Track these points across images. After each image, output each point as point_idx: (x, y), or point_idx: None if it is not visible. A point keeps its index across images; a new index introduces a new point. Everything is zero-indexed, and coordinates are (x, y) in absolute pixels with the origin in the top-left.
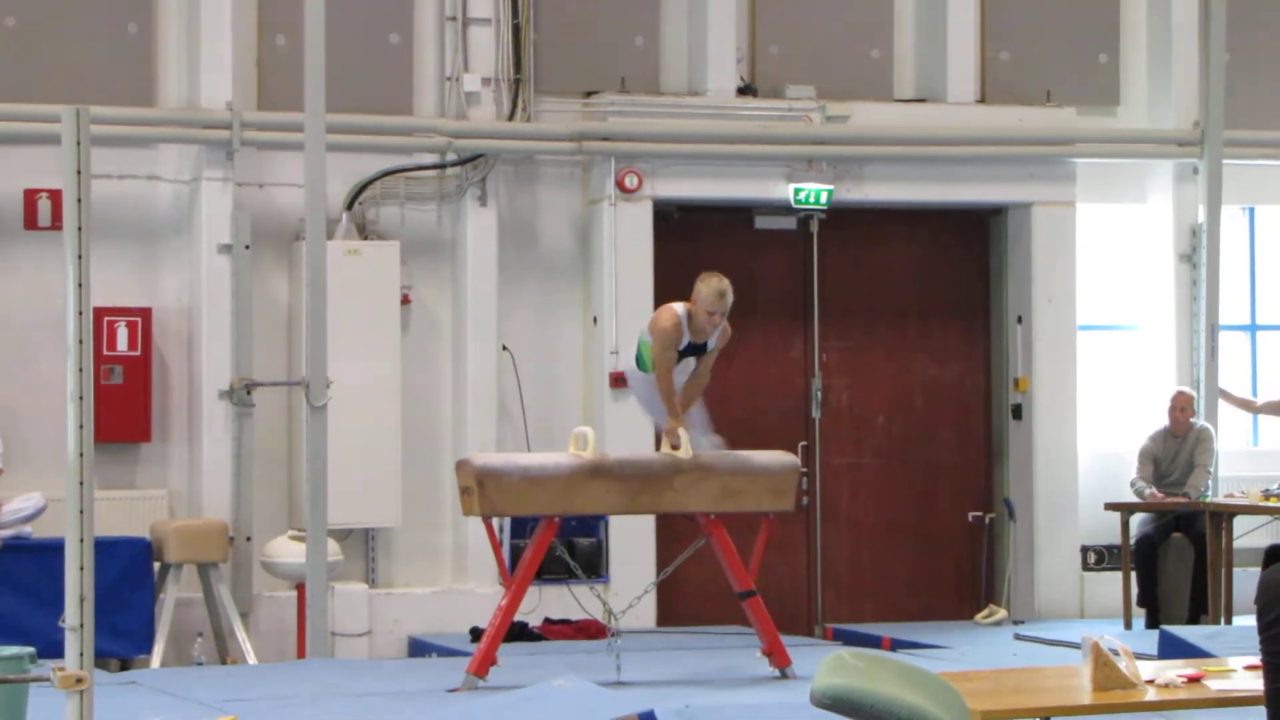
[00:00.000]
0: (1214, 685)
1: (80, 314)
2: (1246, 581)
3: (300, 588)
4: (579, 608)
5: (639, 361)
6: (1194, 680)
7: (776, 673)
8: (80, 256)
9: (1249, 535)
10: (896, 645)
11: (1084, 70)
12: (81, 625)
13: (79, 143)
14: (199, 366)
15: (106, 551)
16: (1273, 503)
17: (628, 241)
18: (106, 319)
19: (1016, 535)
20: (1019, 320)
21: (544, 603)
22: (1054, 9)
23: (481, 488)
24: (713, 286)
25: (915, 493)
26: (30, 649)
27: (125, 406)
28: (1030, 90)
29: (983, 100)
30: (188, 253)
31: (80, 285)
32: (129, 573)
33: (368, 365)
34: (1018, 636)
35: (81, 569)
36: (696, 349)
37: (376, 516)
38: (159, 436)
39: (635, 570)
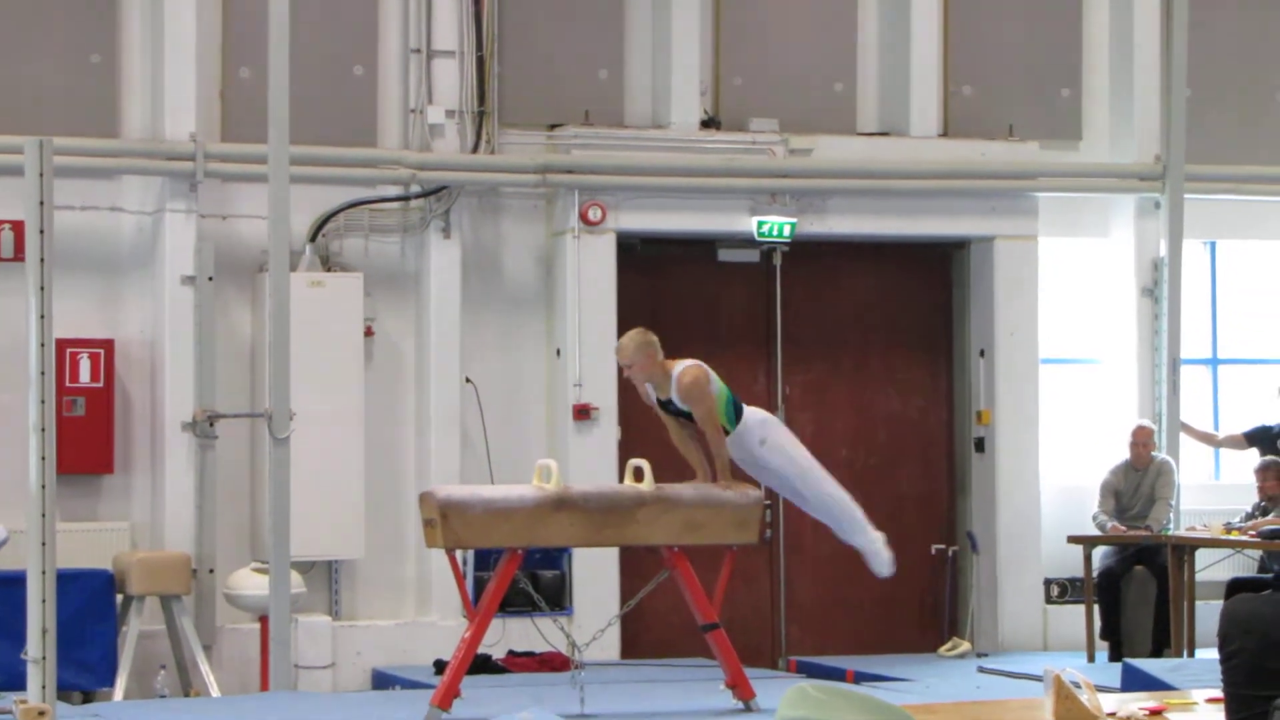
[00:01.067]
0: (1175, 718)
1: (43, 345)
2: (1209, 614)
3: (263, 620)
4: (543, 640)
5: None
6: (1156, 713)
7: (740, 705)
8: (42, 288)
9: (1211, 568)
10: (860, 678)
11: (1046, 104)
12: (44, 657)
13: (42, 174)
14: (162, 398)
15: (69, 584)
16: (1234, 536)
17: (591, 274)
18: (69, 350)
19: (979, 568)
20: (981, 353)
21: (508, 635)
22: (1016, 44)
23: (445, 520)
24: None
25: (878, 525)
26: None
27: (88, 438)
28: (993, 124)
29: (945, 134)
30: (151, 284)
31: (43, 317)
32: (91, 605)
33: (331, 397)
34: (981, 669)
35: (44, 601)
36: (673, 404)
37: (340, 549)
38: (121, 468)
39: (599, 602)
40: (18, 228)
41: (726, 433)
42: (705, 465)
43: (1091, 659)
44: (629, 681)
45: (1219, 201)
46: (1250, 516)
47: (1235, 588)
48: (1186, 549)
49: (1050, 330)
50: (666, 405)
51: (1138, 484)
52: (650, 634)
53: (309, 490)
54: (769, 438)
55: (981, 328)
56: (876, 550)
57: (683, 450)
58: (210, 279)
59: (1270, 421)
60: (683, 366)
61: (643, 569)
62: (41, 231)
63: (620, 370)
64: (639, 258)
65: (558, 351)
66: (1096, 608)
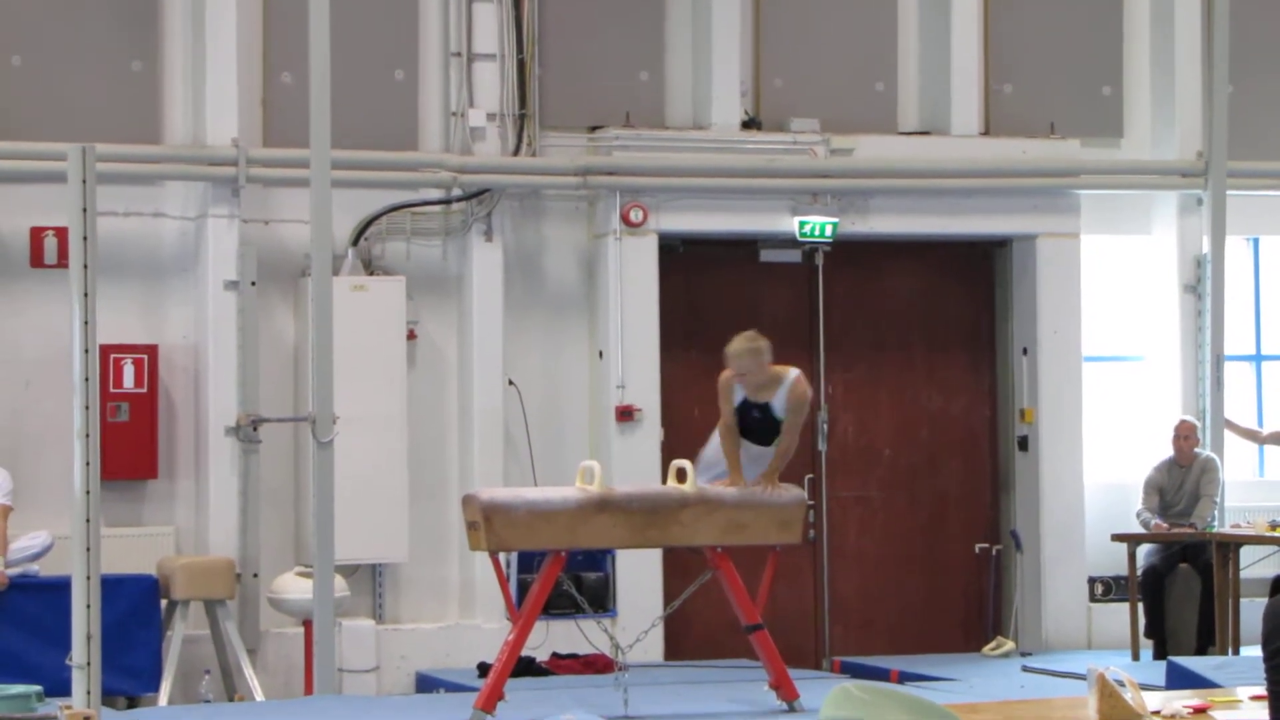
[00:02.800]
0: (1220, 716)
1: (86, 351)
2: (1253, 612)
3: (307, 624)
4: (586, 642)
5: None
6: (1200, 711)
7: (784, 706)
8: (86, 294)
9: (1256, 565)
10: (904, 678)
11: (1087, 102)
12: (89, 663)
13: (85, 181)
14: (205, 403)
15: (113, 589)
16: (1279, 533)
17: (633, 275)
18: (113, 356)
19: (1023, 566)
20: (1024, 352)
21: (551, 637)
22: (1057, 41)
23: (488, 522)
24: (729, 348)
25: (922, 525)
26: (38, 687)
27: (132, 444)
28: (1034, 122)
29: (986, 132)
30: (194, 290)
31: (86, 323)
32: (136, 610)
33: (374, 401)
34: (1025, 668)
35: (88, 607)
36: (757, 409)
37: (383, 552)
38: (165, 473)
39: (642, 604)
40: (61, 234)
41: None
42: (742, 472)
43: (1136, 657)
44: (673, 683)
45: (1262, 197)
46: None
47: (1279, 584)
48: (1231, 546)
49: (1093, 328)
50: (749, 409)
51: (1182, 481)
52: (694, 635)
53: (352, 494)
54: None
55: (1024, 326)
56: None
57: (728, 451)
58: (253, 284)
59: None
60: (796, 374)
61: (686, 570)
62: (85, 238)
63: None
64: (681, 259)
65: (600, 353)
66: (1141, 606)
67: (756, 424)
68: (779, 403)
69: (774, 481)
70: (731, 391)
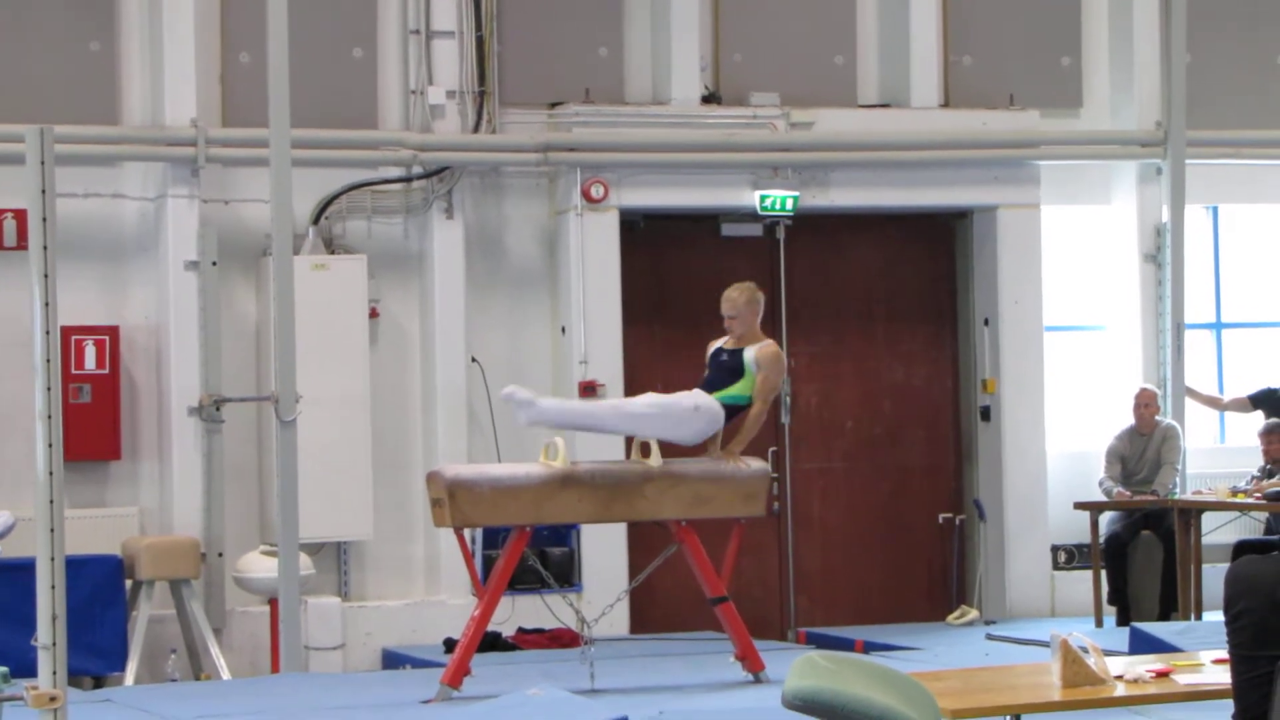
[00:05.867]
0: (1182, 680)
1: (47, 333)
2: (1216, 578)
3: (273, 602)
4: (552, 617)
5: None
6: (1162, 675)
7: (750, 677)
8: (46, 275)
9: (1217, 532)
10: (869, 647)
11: (1046, 73)
12: (54, 643)
13: (43, 162)
14: (168, 383)
15: (78, 570)
16: (1240, 499)
17: (594, 251)
18: (74, 338)
19: (987, 536)
20: (986, 322)
21: (517, 612)
22: (1015, 13)
23: (453, 499)
24: (729, 291)
25: (885, 496)
26: (3, 668)
27: (94, 425)
28: (993, 94)
29: (946, 105)
30: (154, 270)
31: (47, 304)
32: (101, 591)
33: (336, 379)
34: (989, 636)
35: (53, 587)
36: (727, 353)
37: (348, 530)
38: (129, 454)
39: (608, 578)
40: (20, 216)
41: None
42: (717, 444)
43: (1099, 624)
44: (639, 656)
45: (1221, 166)
46: (1256, 479)
47: (1242, 550)
48: (1193, 512)
49: (1054, 298)
50: (721, 355)
51: (1143, 449)
52: (659, 608)
53: (316, 472)
54: None
55: (985, 297)
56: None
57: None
58: (214, 264)
59: (1275, 384)
60: (773, 342)
61: (651, 544)
62: (44, 219)
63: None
64: (642, 234)
65: (563, 329)
66: (1104, 573)
67: (722, 367)
68: (750, 354)
69: (735, 454)
70: (709, 352)
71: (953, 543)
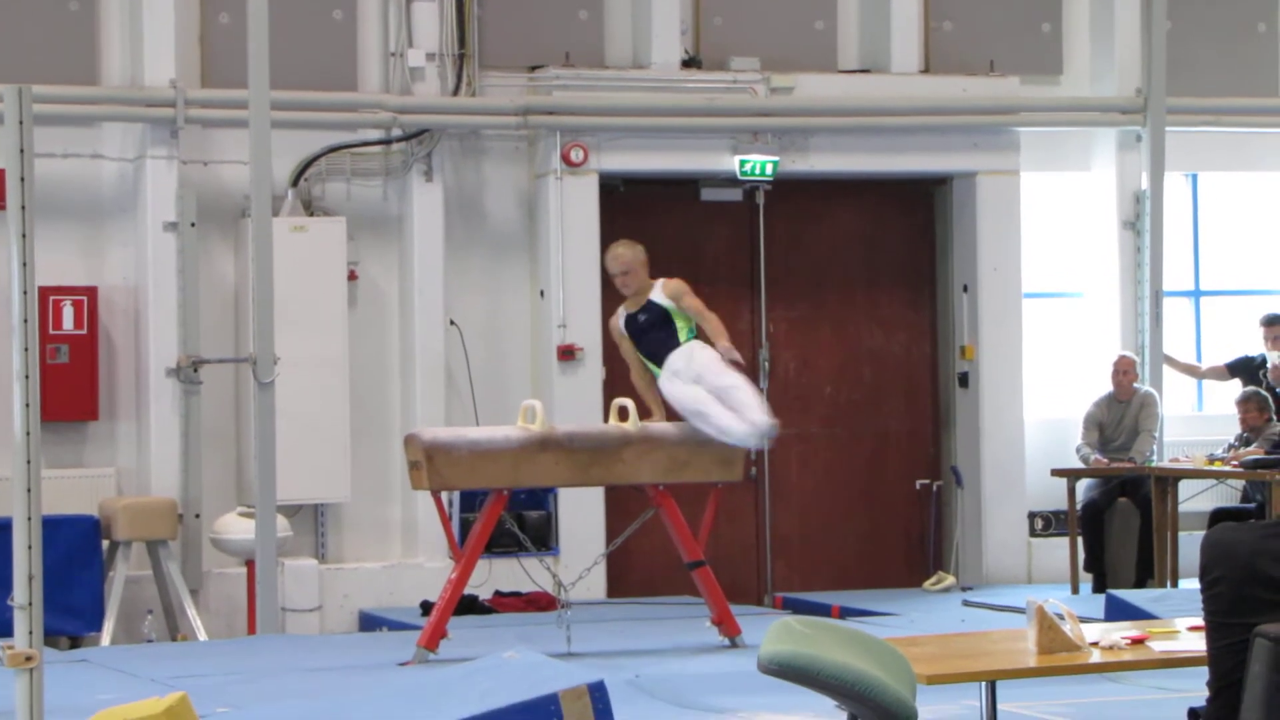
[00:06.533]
0: (1157, 646)
1: (25, 293)
2: (1192, 545)
3: (250, 564)
4: (529, 580)
5: None
6: (1138, 642)
7: (726, 642)
8: (24, 235)
9: (1194, 499)
10: (846, 613)
11: (1027, 39)
12: (30, 603)
13: (22, 121)
14: (146, 344)
15: (55, 530)
16: (1217, 466)
17: (574, 215)
18: (52, 298)
19: (964, 502)
20: (965, 289)
21: (494, 576)
22: None
23: (430, 462)
24: (611, 249)
25: (863, 461)
26: None
27: (72, 385)
28: (974, 60)
29: (926, 70)
30: (133, 231)
31: (25, 264)
32: (77, 551)
33: (315, 341)
34: (966, 602)
35: (30, 547)
36: (641, 313)
37: (325, 492)
38: (106, 415)
39: (585, 542)
40: None
41: None
42: (662, 407)
43: (1075, 591)
44: (615, 620)
45: (1200, 134)
46: (1233, 447)
47: (1218, 518)
48: (1170, 480)
49: (1033, 265)
50: (634, 319)
51: (1121, 416)
52: (636, 573)
53: (294, 434)
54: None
55: (964, 263)
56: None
57: (641, 389)
58: (193, 225)
59: (1252, 353)
60: (663, 279)
61: (628, 508)
62: (22, 179)
63: (615, 281)
64: (622, 198)
65: (541, 293)
66: (1080, 540)
67: (649, 326)
68: (660, 298)
69: (733, 350)
70: (620, 327)
71: (930, 509)
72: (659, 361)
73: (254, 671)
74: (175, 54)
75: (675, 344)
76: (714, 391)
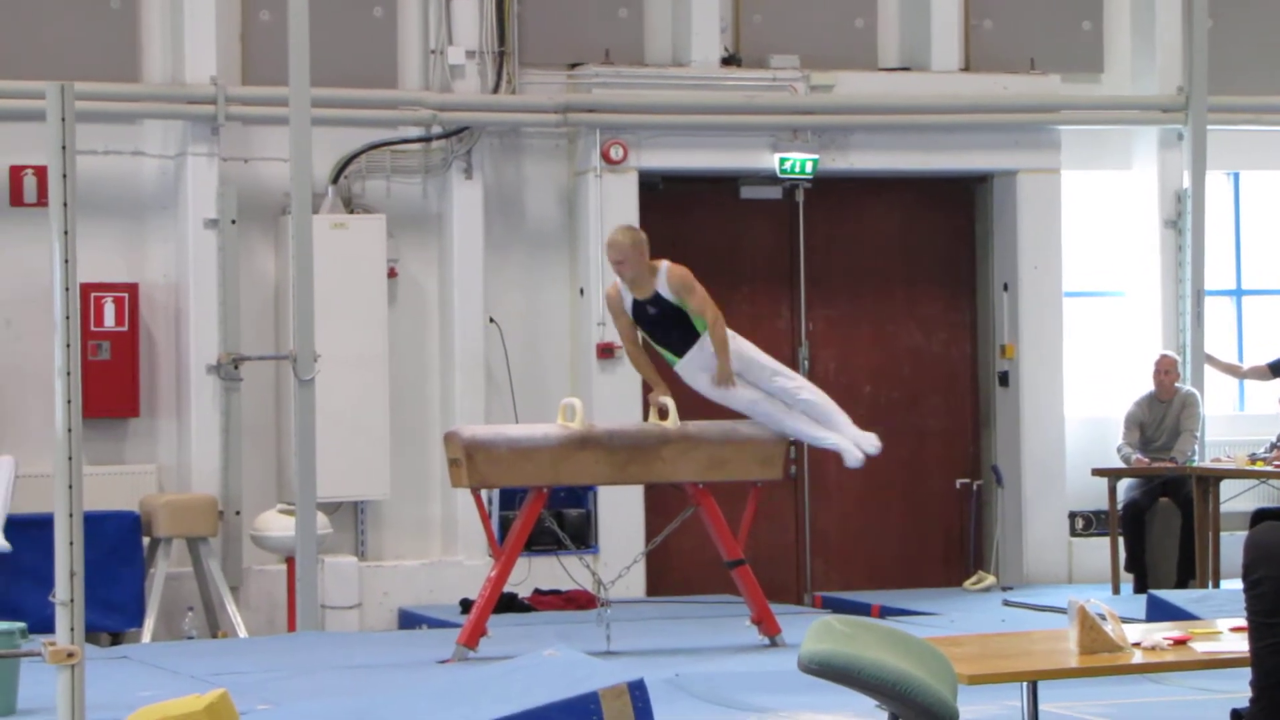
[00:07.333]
0: (1200, 647)
1: (67, 290)
2: (1233, 546)
3: (290, 561)
4: (568, 578)
5: None
6: (1180, 642)
7: (766, 641)
8: (66, 232)
9: (1236, 499)
10: (885, 612)
11: (1068, 37)
12: (72, 600)
13: (64, 119)
14: (186, 341)
15: (96, 526)
16: (1259, 466)
17: (613, 213)
18: (93, 295)
19: (1004, 501)
20: (1005, 288)
21: (533, 574)
22: None
23: (470, 459)
24: (610, 237)
25: (903, 460)
26: (21, 624)
27: (113, 382)
28: (1014, 58)
29: (967, 68)
30: (174, 228)
31: (66, 261)
32: (119, 547)
33: (355, 338)
34: (1006, 602)
35: (71, 544)
36: (649, 305)
37: (365, 489)
38: (147, 412)
39: (624, 540)
40: (40, 173)
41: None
42: (663, 381)
43: (1116, 591)
44: (655, 619)
45: (1242, 132)
46: (1275, 447)
47: (1260, 518)
48: (1211, 480)
49: (1073, 263)
50: (642, 308)
51: (1162, 416)
52: (675, 571)
53: (334, 431)
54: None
55: (1005, 262)
56: (847, 448)
57: (638, 366)
58: (233, 222)
59: None
60: (669, 263)
61: (668, 506)
62: (64, 176)
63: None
64: (661, 196)
65: (581, 291)
66: (1121, 540)
67: (659, 318)
68: (663, 288)
69: (729, 378)
70: (620, 304)
71: (970, 508)
72: (676, 351)
73: (294, 668)
74: (216, 51)
75: (694, 337)
76: (776, 394)
